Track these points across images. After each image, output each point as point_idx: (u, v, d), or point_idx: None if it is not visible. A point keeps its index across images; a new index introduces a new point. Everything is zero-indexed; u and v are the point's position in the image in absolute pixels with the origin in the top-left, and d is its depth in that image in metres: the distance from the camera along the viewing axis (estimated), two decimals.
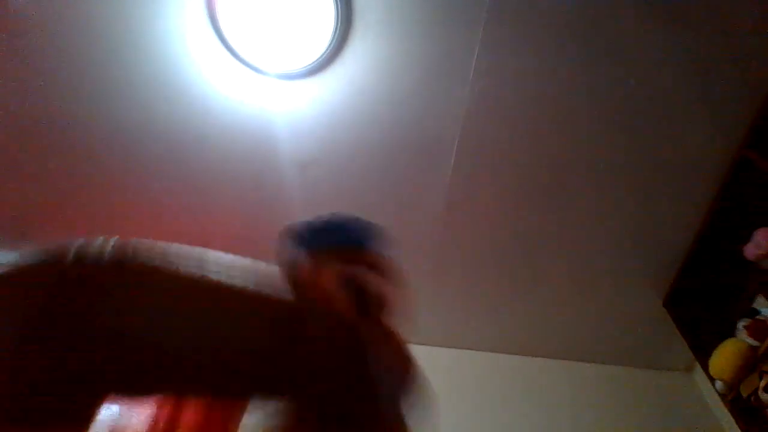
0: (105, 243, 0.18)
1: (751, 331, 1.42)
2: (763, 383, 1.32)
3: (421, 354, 1.93)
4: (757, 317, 1.46)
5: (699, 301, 1.65)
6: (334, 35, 1.31)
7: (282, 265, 0.17)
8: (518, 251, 1.70)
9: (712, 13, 1.28)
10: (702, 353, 1.50)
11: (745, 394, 1.37)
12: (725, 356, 1.42)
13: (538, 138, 1.48)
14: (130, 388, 0.22)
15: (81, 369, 0.21)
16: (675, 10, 1.28)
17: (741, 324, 1.46)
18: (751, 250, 1.42)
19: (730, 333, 1.48)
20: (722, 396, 1.45)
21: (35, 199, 1.67)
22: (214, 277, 0.21)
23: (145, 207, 1.67)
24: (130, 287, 0.23)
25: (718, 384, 1.44)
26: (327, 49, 1.32)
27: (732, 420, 1.41)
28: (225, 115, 1.46)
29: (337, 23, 1.29)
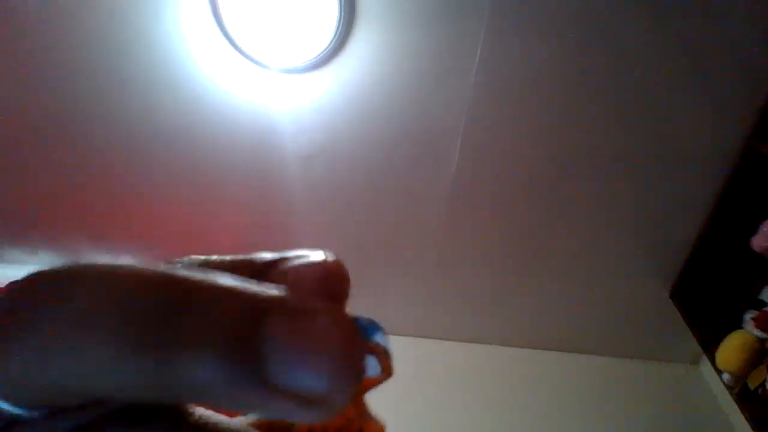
0: None
1: (759, 322, 1.41)
2: None
3: (424, 347, 1.93)
4: (765, 309, 1.45)
5: (706, 293, 1.64)
6: (337, 28, 1.30)
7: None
8: (523, 243, 1.69)
9: (718, 4, 1.27)
10: (709, 345, 1.49)
11: (752, 387, 1.37)
12: (732, 348, 1.41)
13: (543, 130, 1.47)
14: None
15: None
16: (680, 1, 1.27)
17: (748, 316, 1.46)
18: (758, 242, 1.41)
19: (737, 325, 1.47)
20: (729, 388, 1.44)
21: (41, 194, 1.68)
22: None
23: (149, 201, 1.67)
24: None
25: (725, 376, 1.44)
26: (330, 43, 1.32)
27: (739, 412, 1.41)
28: (228, 109, 1.46)
29: (340, 16, 1.29)
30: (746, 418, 1.36)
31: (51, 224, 1.75)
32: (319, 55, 1.34)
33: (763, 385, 1.34)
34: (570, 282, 1.76)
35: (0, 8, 1.33)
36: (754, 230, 1.43)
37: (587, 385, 1.79)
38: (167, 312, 0.11)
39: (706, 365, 1.80)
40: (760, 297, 1.50)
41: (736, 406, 1.42)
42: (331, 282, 0.15)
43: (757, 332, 1.41)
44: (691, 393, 1.79)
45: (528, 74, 1.39)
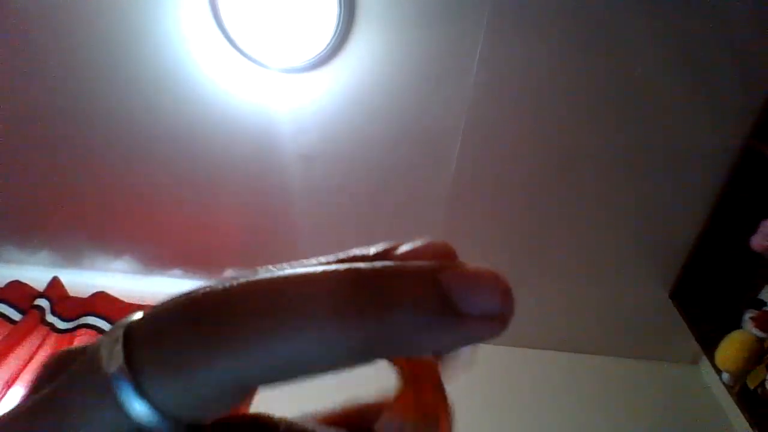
0: None
1: (758, 322, 1.42)
2: None
3: None
4: (764, 308, 1.45)
5: (705, 293, 1.64)
6: (337, 28, 1.30)
7: None
8: (522, 244, 1.69)
9: (718, 3, 1.27)
10: (708, 345, 1.49)
11: (751, 386, 1.37)
12: (732, 348, 1.41)
13: (543, 130, 1.47)
14: None
15: None
16: (680, 0, 1.27)
17: (748, 315, 1.46)
18: (757, 241, 1.41)
19: (737, 324, 1.48)
20: (729, 388, 1.45)
21: (41, 194, 1.68)
22: None
23: (149, 201, 1.67)
24: None
25: (725, 376, 1.44)
26: (330, 43, 1.32)
27: (738, 412, 1.41)
28: (228, 109, 1.46)
29: (340, 16, 1.29)
30: (746, 418, 1.36)
31: (51, 224, 1.76)
32: (319, 55, 1.34)
33: (762, 384, 1.34)
34: (570, 282, 1.76)
35: (0, 8, 1.33)
36: (754, 230, 1.43)
37: (586, 385, 1.79)
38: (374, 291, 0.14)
39: (705, 365, 1.80)
40: (759, 297, 1.51)
41: (736, 406, 1.42)
42: (449, 254, 0.17)
43: (757, 332, 1.41)
44: (690, 392, 1.79)
45: (528, 74, 1.39)
